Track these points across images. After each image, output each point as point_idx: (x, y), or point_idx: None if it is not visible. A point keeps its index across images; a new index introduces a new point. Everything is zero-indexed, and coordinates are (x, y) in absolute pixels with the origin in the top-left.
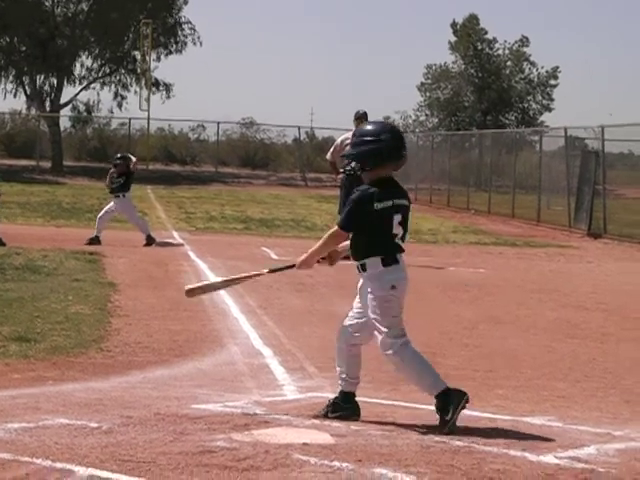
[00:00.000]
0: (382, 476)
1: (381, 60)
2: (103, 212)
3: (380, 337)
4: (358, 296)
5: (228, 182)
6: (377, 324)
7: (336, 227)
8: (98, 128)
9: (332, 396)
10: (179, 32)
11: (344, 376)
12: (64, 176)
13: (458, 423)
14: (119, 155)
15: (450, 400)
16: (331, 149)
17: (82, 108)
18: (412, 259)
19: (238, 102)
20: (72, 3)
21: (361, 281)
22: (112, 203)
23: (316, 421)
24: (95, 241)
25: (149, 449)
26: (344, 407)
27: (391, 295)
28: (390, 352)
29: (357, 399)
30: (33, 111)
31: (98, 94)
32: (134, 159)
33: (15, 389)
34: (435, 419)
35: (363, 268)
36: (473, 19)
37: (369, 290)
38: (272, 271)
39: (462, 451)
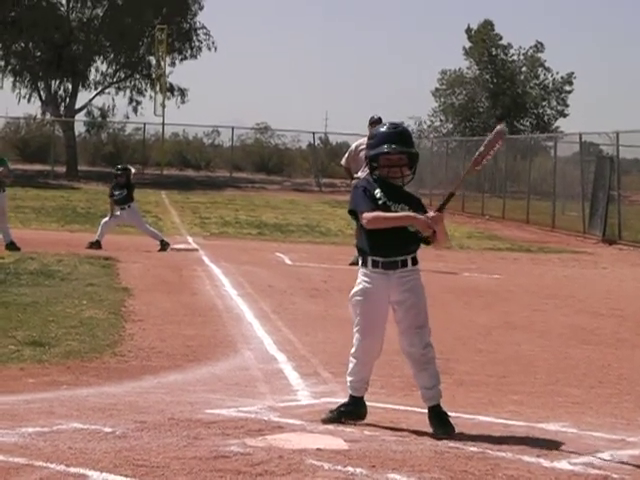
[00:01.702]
0: None
1: (395, 65)
2: (107, 218)
3: (426, 331)
4: (404, 303)
5: (242, 187)
6: (426, 316)
7: None
8: (113, 133)
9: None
10: (194, 37)
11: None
12: (79, 181)
13: (473, 430)
14: (119, 167)
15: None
16: (346, 155)
17: (97, 113)
18: (426, 264)
19: (252, 107)
20: (87, 8)
21: (399, 280)
22: (118, 212)
23: (330, 426)
24: (95, 245)
25: (163, 454)
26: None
27: None
28: (431, 346)
29: (370, 404)
30: (48, 116)
31: (113, 99)
32: (134, 170)
33: (29, 393)
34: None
35: (415, 261)
36: (488, 25)
37: (420, 284)
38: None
39: (476, 457)
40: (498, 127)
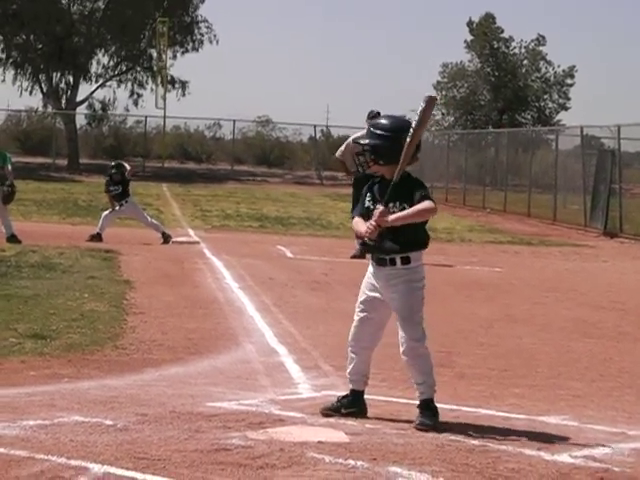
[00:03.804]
0: (397, 475)
1: (397, 58)
2: (108, 211)
3: (413, 327)
4: (389, 295)
5: (244, 180)
6: (413, 316)
7: (431, 202)
8: (114, 126)
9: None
10: (195, 30)
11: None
12: (80, 174)
13: (474, 423)
14: (113, 164)
15: (437, 410)
16: (342, 147)
17: (98, 106)
18: (428, 258)
19: (254, 100)
20: (88, 1)
21: (387, 277)
22: (117, 207)
23: (331, 419)
24: (96, 238)
25: (164, 447)
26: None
27: (424, 286)
28: (423, 342)
29: (371, 397)
30: (49, 109)
31: (114, 92)
32: (129, 167)
33: (31, 386)
34: (450, 417)
35: (406, 261)
36: (489, 18)
37: (409, 282)
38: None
39: (477, 450)
40: (427, 95)
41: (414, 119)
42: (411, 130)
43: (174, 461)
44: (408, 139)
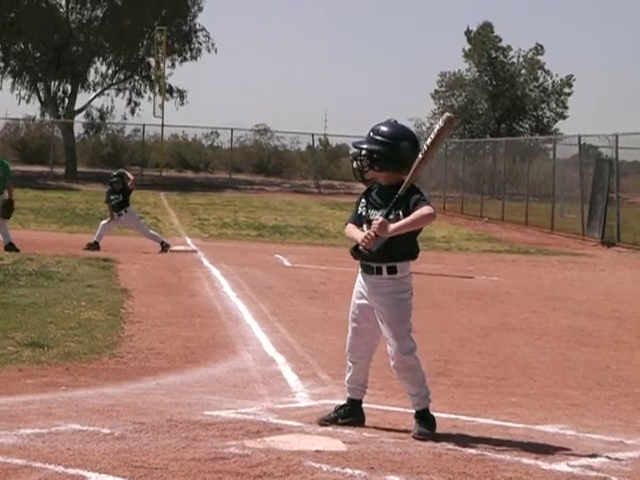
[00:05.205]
0: None
1: (395, 67)
2: (107, 220)
3: (401, 340)
4: (375, 304)
5: (241, 189)
6: (401, 326)
7: (429, 207)
8: (112, 134)
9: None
10: (193, 39)
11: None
12: (78, 182)
13: (471, 432)
14: (115, 173)
15: (433, 419)
16: None
17: (96, 114)
18: (425, 266)
19: (252, 109)
20: (87, 9)
21: (373, 285)
22: (116, 216)
23: (328, 428)
24: (94, 246)
25: (161, 455)
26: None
27: (411, 296)
28: (413, 354)
29: (369, 406)
30: (47, 117)
31: (112, 100)
32: (131, 177)
33: (28, 395)
34: (447, 426)
35: (392, 270)
36: (487, 27)
37: (395, 294)
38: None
39: (474, 459)
40: (446, 115)
41: (430, 136)
42: (425, 147)
43: (171, 470)
44: (420, 155)
